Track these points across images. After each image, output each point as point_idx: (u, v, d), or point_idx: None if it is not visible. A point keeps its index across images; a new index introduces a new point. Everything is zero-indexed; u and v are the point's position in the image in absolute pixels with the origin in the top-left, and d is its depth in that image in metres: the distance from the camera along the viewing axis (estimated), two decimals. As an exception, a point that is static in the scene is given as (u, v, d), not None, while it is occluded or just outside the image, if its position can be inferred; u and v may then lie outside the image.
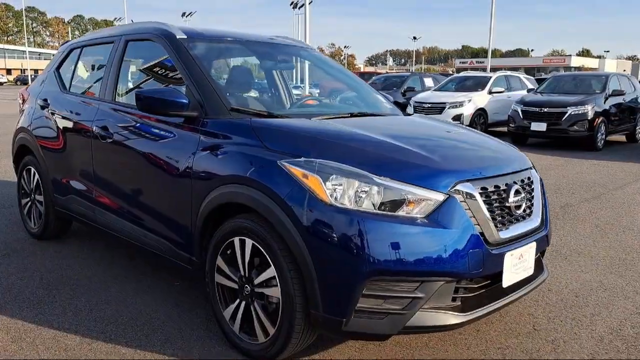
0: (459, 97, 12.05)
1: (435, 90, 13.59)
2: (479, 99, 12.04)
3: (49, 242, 4.04)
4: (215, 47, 3.29)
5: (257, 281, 2.28)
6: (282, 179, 2.16)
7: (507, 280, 2.28)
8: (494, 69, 23.06)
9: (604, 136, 10.30)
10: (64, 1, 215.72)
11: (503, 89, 12.71)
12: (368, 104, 3.52)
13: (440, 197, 2.09)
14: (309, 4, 22.08)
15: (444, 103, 11.85)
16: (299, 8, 46.55)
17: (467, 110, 11.73)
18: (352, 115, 3.07)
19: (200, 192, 2.47)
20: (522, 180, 2.47)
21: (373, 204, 2.06)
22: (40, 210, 4.00)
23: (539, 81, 15.03)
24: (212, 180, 2.43)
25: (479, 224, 2.15)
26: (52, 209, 3.87)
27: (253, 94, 3.46)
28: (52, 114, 3.75)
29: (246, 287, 2.33)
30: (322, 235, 2.04)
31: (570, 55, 68.70)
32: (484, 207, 2.18)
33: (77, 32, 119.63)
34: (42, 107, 3.89)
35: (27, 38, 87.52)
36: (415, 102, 12.34)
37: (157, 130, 2.81)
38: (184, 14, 60.08)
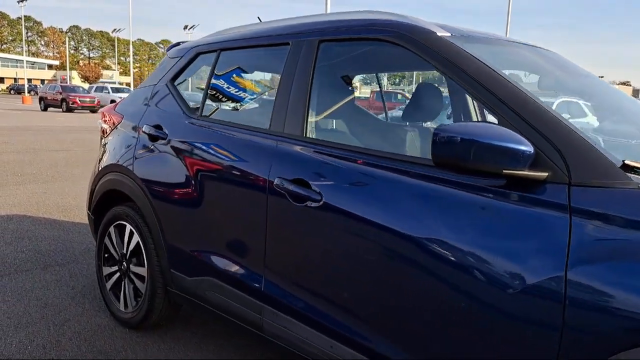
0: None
1: None
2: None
3: (147, 333, 2.75)
4: (499, 53, 2.05)
5: None
6: None
7: None
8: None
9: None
10: (60, 11, 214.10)
11: (568, 116, 11.62)
12: None
13: None
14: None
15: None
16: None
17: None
18: None
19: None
20: None
21: None
22: (139, 288, 2.71)
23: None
24: None
25: None
26: (164, 290, 2.58)
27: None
28: (176, 149, 2.47)
29: None
30: None
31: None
32: None
33: (72, 42, 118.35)
34: (154, 138, 2.61)
35: (22, 47, 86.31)
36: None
37: (454, 201, 1.51)
38: (185, 27, 59.10)
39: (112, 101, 30.43)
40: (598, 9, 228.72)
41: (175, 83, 2.74)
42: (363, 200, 1.70)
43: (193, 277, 2.39)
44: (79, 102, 28.11)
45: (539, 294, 1.30)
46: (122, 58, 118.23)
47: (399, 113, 3.24)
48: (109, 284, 2.91)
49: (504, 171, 1.38)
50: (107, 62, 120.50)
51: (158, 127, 2.61)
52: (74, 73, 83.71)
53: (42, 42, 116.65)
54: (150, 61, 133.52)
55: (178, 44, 2.98)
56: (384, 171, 1.70)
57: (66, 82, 50.10)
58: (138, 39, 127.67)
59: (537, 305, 1.31)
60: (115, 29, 71.79)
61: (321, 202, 1.81)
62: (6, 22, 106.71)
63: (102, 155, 3.00)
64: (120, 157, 2.78)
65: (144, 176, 2.60)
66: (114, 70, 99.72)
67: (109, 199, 2.92)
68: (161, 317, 2.69)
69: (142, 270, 2.67)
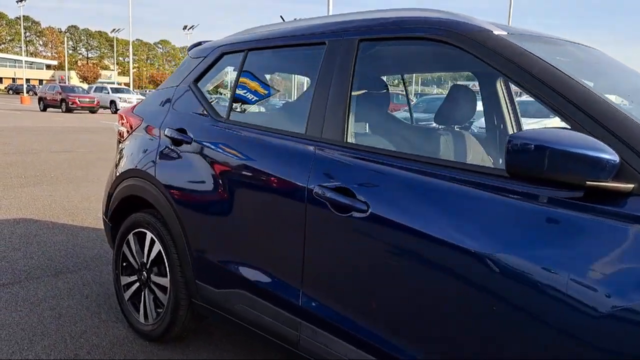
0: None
1: None
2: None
3: (168, 346, 2.63)
4: (559, 53, 1.92)
5: None
6: None
7: None
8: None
9: None
10: (59, 12, 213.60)
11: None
12: None
13: None
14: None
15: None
16: (305, 25, 45.68)
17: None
18: None
19: None
20: None
21: None
22: (161, 299, 2.59)
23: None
24: None
25: None
26: (188, 302, 2.46)
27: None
28: (202, 154, 2.35)
29: None
30: None
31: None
32: None
33: (70, 43, 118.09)
34: (177, 142, 2.48)
35: (21, 47, 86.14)
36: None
37: (533, 215, 1.36)
38: (185, 27, 58.90)
39: (112, 102, 30.29)
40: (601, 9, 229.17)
41: (202, 85, 2.62)
42: (420, 213, 1.57)
43: (221, 289, 2.26)
44: (79, 103, 27.93)
45: (629, 319, 1.18)
46: (120, 58, 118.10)
47: (404, 114, 3.12)
48: (127, 294, 2.79)
49: (587, 182, 1.26)
50: (106, 62, 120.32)
51: (182, 130, 2.49)
52: (72, 73, 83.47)
53: (41, 42, 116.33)
54: (148, 61, 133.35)
55: (200, 43, 2.85)
56: (444, 181, 1.57)
57: (65, 82, 49.89)
58: (137, 39, 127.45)
59: (627, 332, 1.19)
60: (114, 29, 71.56)
61: (368, 213, 1.69)
62: (4, 22, 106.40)
63: (120, 160, 2.87)
64: (140, 162, 2.66)
65: (167, 182, 2.47)
66: (112, 70, 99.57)
67: (127, 206, 2.79)
68: (184, 330, 2.57)
69: (164, 281, 2.54)
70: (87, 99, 28.43)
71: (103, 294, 3.26)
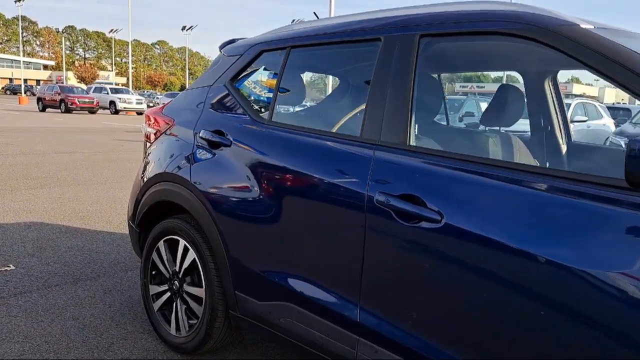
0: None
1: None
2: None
3: (202, 359, 2.49)
4: None
5: None
6: None
7: None
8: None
9: None
10: (56, 12, 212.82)
11: (586, 118, 11.45)
12: None
13: None
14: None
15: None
16: (304, 26, 45.58)
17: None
18: None
19: None
20: None
21: None
22: (195, 309, 2.45)
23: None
24: None
25: None
26: (225, 313, 2.32)
27: None
28: (243, 158, 2.21)
29: None
30: None
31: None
32: None
33: (67, 43, 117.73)
34: (215, 145, 2.35)
35: (18, 47, 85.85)
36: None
37: None
38: (184, 28, 58.69)
39: (111, 102, 30.09)
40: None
41: (239, 84, 2.48)
42: (509, 226, 1.44)
43: (265, 302, 2.13)
44: (78, 103, 27.72)
45: None
46: (117, 59, 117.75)
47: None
48: (157, 304, 2.65)
49: None
50: (103, 62, 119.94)
51: (219, 132, 2.35)
52: (70, 73, 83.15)
53: (38, 43, 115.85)
54: (146, 62, 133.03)
55: (233, 40, 2.72)
56: (539, 191, 1.43)
57: (62, 83, 49.61)
58: (134, 40, 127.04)
59: None
60: (112, 30, 71.23)
61: (442, 224, 1.55)
62: (1, 22, 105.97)
63: (148, 163, 2.73)
64: (173, 165, 2.52)
65: (203, 187, 2.33)
66: (109, 71, 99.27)
67: (160, 210, 2.66)
68: (219, 343, 2.43)
69: (199, 291, 2.40)
70: (87, 100, 28.23)
71: (126, 303, 3.12)
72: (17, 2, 53.95)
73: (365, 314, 1.78)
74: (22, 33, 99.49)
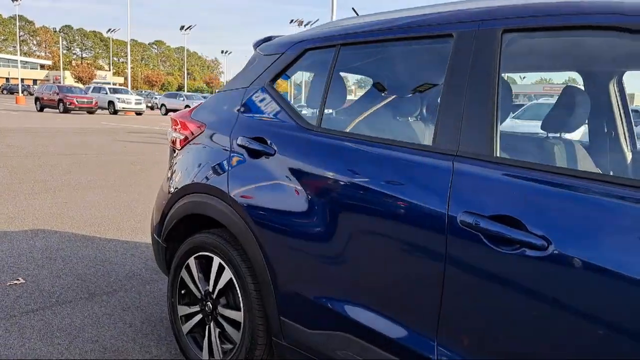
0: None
1: None
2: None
3: (238, 390, 2.25)
4: None
5: None
6: None
7: None
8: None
9: None
10: (53, 11, 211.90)
11: None
12: None
13: None
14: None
15: None
16: (304, 26, 45.40)
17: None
18: None
19: None
20: None
21: None
22: (231, 334, 2.21)
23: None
24: None
25: None
26: (267, 341, 2.08)
27: None
28: (291, 169, 1.97)
29: None
30: None
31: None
32: None
33: (64, 43, 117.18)
34: (255, 153, 2.11)
35: (15, 46, 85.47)
36: None
37: None
38: (182, 27, 58.35)
39: (110, 102, 29.78)
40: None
41: (276, 86, 2.25)
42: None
43: (316, 330, 1.89)
44: (77, 103, 27.41)
45: None
46: (114, 58, 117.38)
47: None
48: (186, 327, 2.41)
49: None
50: (100, 62, 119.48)
51: (260, 139, 2.12)
52: (67, 73, 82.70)
53: (34, 42, 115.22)
54: (143, 62, 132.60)
55: (270, 38, 2.49)
56: None
57: (60, 82, 49.21)
58: (131, 40, 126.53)
59: None
60: (110, 29, 70.78)
61: (548, 251, 1.32)
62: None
63: (176, 172, 2.50)
64: (206, 175, 2.28)
65: (243, 200, 2.10)
66: (107, 70, 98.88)
67: (188, 224, 2.42)
68: (259, 372, 2.20)
69: (237, 315, 2.17)
70: (85, 100, 27.92)
71: (147, 322, 2.88)
72: (14, 1, 53.48)
73: (445, 352, 1.55)
74: (19, 32, 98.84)
